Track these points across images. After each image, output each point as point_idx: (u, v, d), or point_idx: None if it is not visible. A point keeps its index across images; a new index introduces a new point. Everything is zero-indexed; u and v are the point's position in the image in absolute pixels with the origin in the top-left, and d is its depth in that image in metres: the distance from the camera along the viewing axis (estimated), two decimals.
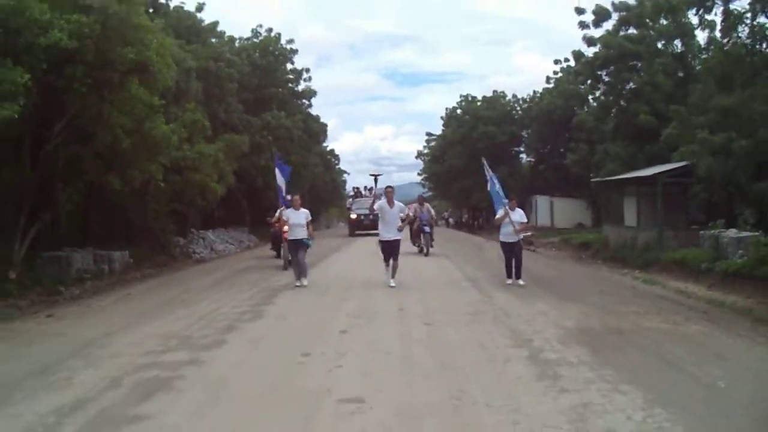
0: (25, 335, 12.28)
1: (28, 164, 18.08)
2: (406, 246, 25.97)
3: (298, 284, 18.09)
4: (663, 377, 8.41)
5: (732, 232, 20.29)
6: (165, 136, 21.44)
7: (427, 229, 28.65)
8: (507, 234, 18.81)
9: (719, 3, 18.75)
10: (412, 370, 8.83)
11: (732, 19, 18.36)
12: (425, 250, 28.36)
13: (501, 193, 19.54)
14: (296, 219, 18.61)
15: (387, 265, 18.60)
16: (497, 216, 19.50)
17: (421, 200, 30.94)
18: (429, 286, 18.10)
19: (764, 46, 18.06)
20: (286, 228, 21.10)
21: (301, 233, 18.53)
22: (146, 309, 15.02)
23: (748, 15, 18.41)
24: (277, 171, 23.77)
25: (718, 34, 20.53)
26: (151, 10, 23.96)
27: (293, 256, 18.83)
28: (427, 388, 7.95)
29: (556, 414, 6.87)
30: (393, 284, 17.87)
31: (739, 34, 18.46)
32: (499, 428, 6.55)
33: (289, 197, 21.63)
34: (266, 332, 11.94)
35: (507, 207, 18.88)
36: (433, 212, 31.32)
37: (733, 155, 19.73)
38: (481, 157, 21.87)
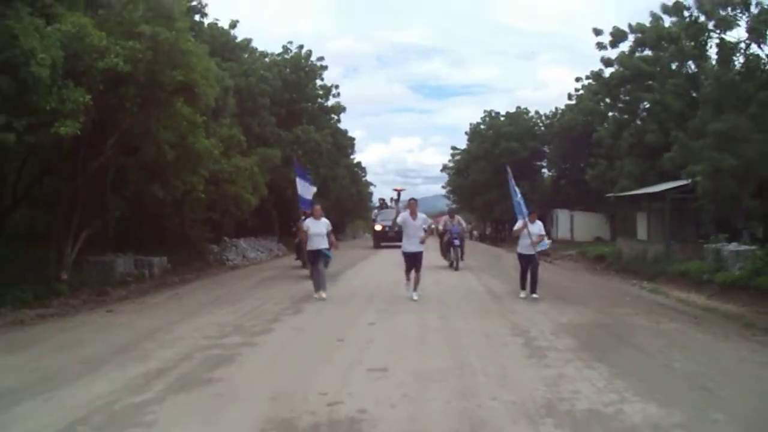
0: (94, 325, 14.29)
1: (80, 175, 19.70)
2: (435, 259, 27.77)
3: (316, 296, 17.85)
4: (630, 359, 10.37)
5: (732, 246, 21.70)
6: (206, 150, 23.19)
7: (456, 242, 28.13)
8: (525, 246, 18.65)
9: (715, 36, 20.59)
10: (426, 349, 11.07)
11: (726, 50, 20.21)
12: (455, 264, 27.76)
13: (522, 204, 19.21)
14: (316, 229, 18.31)
15: (408, 279, 18.37)
16: (516, 227, 19.39)
17: (451, 213, 30.84)
18: (445, 291, 20.03)
19: (758, 74, 19.81)
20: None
21: (322, 243, 18.27)
22: (196, 306, 17.04)
23: (743, 45, 20.27)
24: (297, 179, 22.49)
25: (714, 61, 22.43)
26: (193, 34, 25.04)
27: (313, 266, 18.64)
28: (438, 362, 10.00)
29: (536, 380, 8.86)
30: (415, 297, 17.61)
31: (734, 63, 20.32)
32: (489, 388, 8.47)
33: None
34: (306, 323, 14.12)
35: (527, 219, 18.66)
36: (464, 224, 30.86)
37: (731, 175, 21.14)
38: (505, 169, 21.83)
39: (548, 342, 11.78)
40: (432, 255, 26.84)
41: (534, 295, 18.12)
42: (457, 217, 30.02)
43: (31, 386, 8.78)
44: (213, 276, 26.75)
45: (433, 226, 27.13)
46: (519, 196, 19.43)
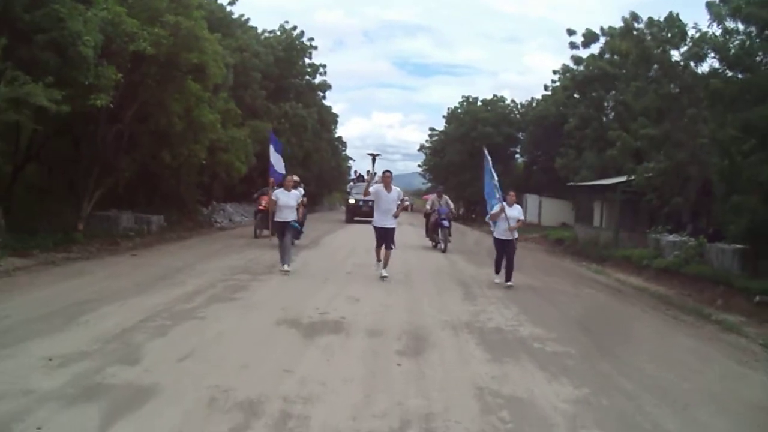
0: (127, 264, 18.26)
1: (100, 140, 22.92)
2: (419, 240, 29.80)
3: (281, 270, 17.32)
4: (538, 306, 14.50)
5: (671, 237, 24.74)
6: (210, 122, 26.49)
7: (446, 223, 27.15)
8: (501, 231, 18.03)
9: (658, 53, 24.39)
10: (390, 293, 15.01)
11: (666, 67, 24.03)
12: (443, 246, 26.76)
13: (498, 187, 18.83)
14: (286, 200, 17.87)
15: (378, 256, 18.03)
16: (493, 211, 18.44)
17: (439, 192, 29.27)
18: (407, 250, 23.34)
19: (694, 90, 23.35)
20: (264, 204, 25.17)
21: (290, 216, 17.86)
22: (205, 253, 21.21)
23: (681, 63, 23.99)
24: (271, 147, 23.76)
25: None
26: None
27: (279, 239, 18.08)
28: (397, 299, 14.05)
29: (465, 312, 13.07)
30: (385, 274, 17.40)
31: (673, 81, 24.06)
32: (430, 313, 12.75)
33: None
34: (298, 269, 18.09)
35: (504, 203, 17.95)
36: (452, 205, 29.41)
37: (663, 173, 24.94)
38: (482, 151, 20.53)
39: (482, 293, 16.03)
40: (413, 234, 31.05)
41: (508, 283, 17.50)
42: (445, 197, 28.86)
43: (104, 298, 12.49)
44: (206, 234, 30.22)
45: (428, 207, 29.47)
46: (496, 179, 19.03)
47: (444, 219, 27.19)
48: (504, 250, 17.95)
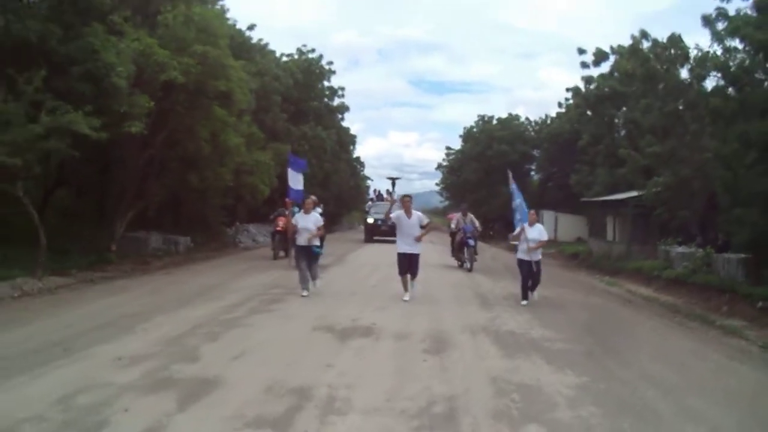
0: (163, 281, 19.72)
1: (132, 165, 24.16)
2: (440, 257, 30.05)
3: (304, 294, 16.90)
4: (548, 312, 15.76)
5: (680, 248, 25.59)
6: (235, 146, 27.62)
7: (471, 242, 26.66)
8: (523, 252, 17.66)
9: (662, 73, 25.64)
10: (414, 304, 16.28)
11: (670, 87, 25.27)
12: (468, 266, 26.34)
13: (523, 207, 18.51)
14: (304, 223, 17.29)
15: (404, 281, 17.33)
16: (514, 233, 18.57)
17: (464, 210, 28.47)
18: (427, 269, 23.37)
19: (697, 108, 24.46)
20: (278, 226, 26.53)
21: (312, 240, 17.27)
22: (234, 272, 22.38)
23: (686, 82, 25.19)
24: (289, 170, 23.90)
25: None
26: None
27: (297, 263, 17.53)
28: (420, 309, 15.38)
29: (481, 318, 14.51)
30: (406, 298, 16.90)
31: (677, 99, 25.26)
32: (451, 319, 14.09)
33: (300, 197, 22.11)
34: (327, 285, 19.10)
35: (524, 224, 17.68)
36: (477, 223, 28.22)
37: (669, 188, 26.12)
38: (507, 172, 20.43)
39: (498, 303, 17.36)
40: (434, 252, 31.27)
41: (524, 302, 17.30)
42: (471, 215, 28.09)
43: (152, 311, 13.91)
44: (232, 254, 31.40)
45: (452, 225, 28.86)
46: (520, 200, 18.66)
47: (469, 238, 26.73)
48: (529, 271, 17.49)
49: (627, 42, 30.96)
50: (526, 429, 7.34)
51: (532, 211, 18.42)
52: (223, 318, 13.40)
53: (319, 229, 17.44)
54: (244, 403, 7.78)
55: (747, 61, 20.83)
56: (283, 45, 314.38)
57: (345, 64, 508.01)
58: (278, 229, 27.97)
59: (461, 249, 27.45)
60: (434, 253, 32.26)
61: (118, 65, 19.19)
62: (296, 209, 23.99)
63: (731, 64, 21.46)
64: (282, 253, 27.76)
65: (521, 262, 17.65)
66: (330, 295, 17.33)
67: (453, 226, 28.85)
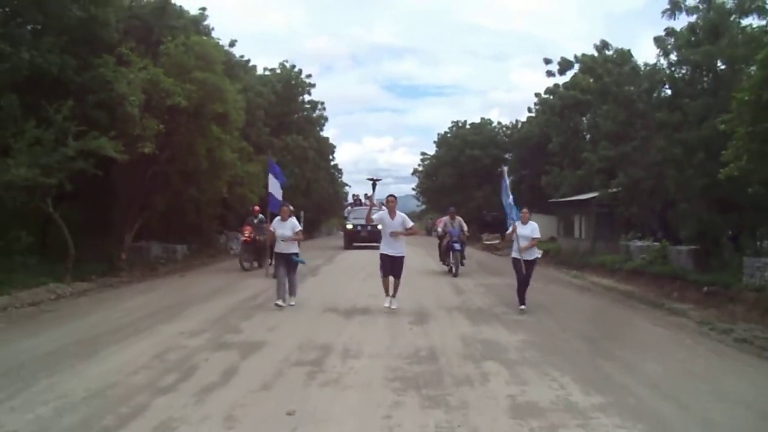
0: (181, 283, 23.11)
1: (139, 180, 26.69)
2: (432, 264, 30.72)
3: (279, 303, 16.65)
4: (512, 296, 18.01)
5: (638, 242, 28.41)
6: (230, 161, 30.32)
7: (457, 246, 26.43)
8: (517, 250, 17.36)
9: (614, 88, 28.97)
10: (399, 291, 18.29)
11: (621, 99, 28.59)
12: (455, 270, 26.11)
13: (513, 207, 18.13)
14: (282, 230, 17.39)
15: (387, 290, 17.09)
16: (507, 232, 18.22)
17: (452, 214, 28.21)
18: (409, 265, 25.48)
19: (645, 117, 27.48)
20: (246, 236, 27.27)
21: (289, 247, 17.37)
22: (241, 275, 25.46)
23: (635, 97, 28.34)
24: (270, 176, 23.69)
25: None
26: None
27: (276, 271, 17.64)
28: (406, 293, 18.18)
29: (455, 299, 18.14)
30: (394, 306, 16.65)
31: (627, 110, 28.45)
32: (430, 302, 17.68)
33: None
34: (324, 280, 23.19)
35: (516, 222, 17.46)
36: (465, 227, 27.99)
37: (624, 189, 29.36)
38: (500, 171, 20.67)
39: (469, 290, 20.86)
40: (424, 258, 33.37)
41: (521, 306, 16.88)
42: (458, 219, 27.94)
43: (185, 303, 17.35)
44: (227, 260, 34.03)
45: (439, 229, 29.31)
46: (510, 198, 18.28)
47: (455, 242, 26.56)
48: (522, 271, 17.10)
49: (603, 42, 33.67)
50: (485, 363, 10.74)
51: (525, 210, 18.04)
52: (249, 305, 17.08)
53: (296, 233, 17.52)
54: (286, 354, 11.23)
55: (687, 75, 24.31)
56: (252, 51, 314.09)
57: (318, 70, 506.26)
58: (244, 239, 28.19)
59: (448, 253, 27.32)
60: (415, 256, 32.60)
61: (130, 95, 21.91)
62: (263, 217, 27.04)
63: (676, 77, 24.90)
64: (255, 264, 28.13)
65: (515, 262, 17.36)
66: (328, 288, 20.76)
67: (440, 230, 29.21)
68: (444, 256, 28.21)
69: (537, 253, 17.87)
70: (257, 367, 10.40)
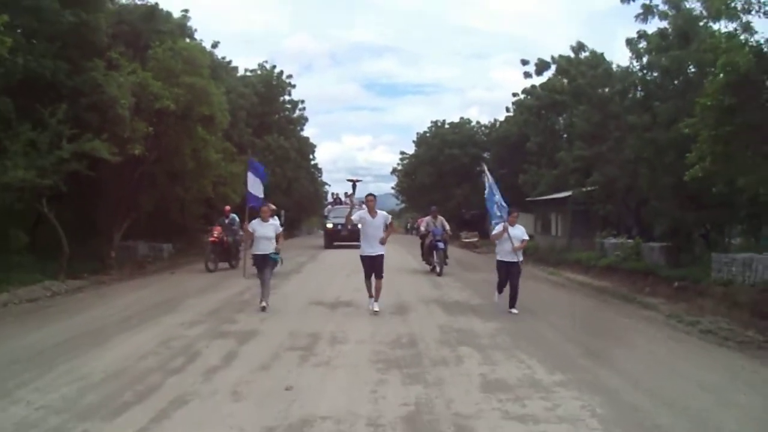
0: (172, 280, 24.16)
1: (127, 181, 27.28)
2: (415, 262, 30.76)
3: (264, 305, 16.55)
4: (487, 291, 19.42)
5: (613, 239, 29.28)
6: (215, 161, 31.28)
7: (441, 245, 26.57)
8: (505, 252, 17.13)
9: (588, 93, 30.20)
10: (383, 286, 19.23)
11: (595, 101, 29.81)
12: (438, 270, 26.19)
13: (502, 203, 17.99)
14: (263, 231, 17.07)
15: (370, 291, 16.92)
16: (494, 231, 17.57)
17: (434, 213, 28.17)
18: (391, 262, 26.08)
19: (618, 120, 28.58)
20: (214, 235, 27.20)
21: (269, 247, 17.03)
22: (227, 274, 26.12)
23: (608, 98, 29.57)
24: (249, 174, 23.59)
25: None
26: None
27: (259, 273, 17.13)
28: (388, 290, 18.31)
29: (433, 293, 19.43)
30: (377, 308, 16.40)
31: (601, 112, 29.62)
32: (409, 295, 18.94)
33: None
34: (308, 277, 24.13)
35: (506, 222, 17.14)
36: (447, 226, 27.91)
37: (601, 187, 30.55)
38: (481, 165, 21.28)
39: (447, 285, 22.18)
40: (404, 256, 34.42)
41: (513, 310, 16.68)
42: (441, 218, 27.96)
43: (181, 297, 18.53)
44: None
45: (422, 228, 29.31)
46: (498, 196, 18.09)
47: (439, 241, 26.65)
48: (508, 274, 17.07)
49: (579, 44, 35.36)
50: (460, 348, 12.03)
51: (515, 213, 17.97)
52: (239, 299, 18.26)
53: (278, 236, 17.32)
54: (280, 341, 12.53)
55: (659, 79, 25.55)
56: (235, 52, 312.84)
57: (298, 69, 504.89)
58: (212, 239, 27.80)
59: (431, 252, 27.40)
60: (395, 255, 33.08)
61: (121, 98, 22.79)
62: (235, 218, 28.06)
63: (648, 79, 26.21)
64: (225, 264, 28.12)
65: (501, 264, 17.29)
66: (314, 282, 21.72)
67: (423, 228, 29.09)
68: (427, 255, 28.13)
69: (521, 255, 17.50)
70: (254, 352, 11.67)
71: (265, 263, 16.87)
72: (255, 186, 23.20)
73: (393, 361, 10.99)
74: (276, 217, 19.01)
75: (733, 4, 16.58)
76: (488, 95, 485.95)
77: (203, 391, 9.15)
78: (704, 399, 9.34)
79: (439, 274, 25.72)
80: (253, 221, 17.63)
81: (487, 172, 19.63)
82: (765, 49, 16.32)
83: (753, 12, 16.36)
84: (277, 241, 17.22)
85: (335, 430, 7.76)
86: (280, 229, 17.58)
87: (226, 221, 28.34)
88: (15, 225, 23.54)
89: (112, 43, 25.65)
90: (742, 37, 16.43)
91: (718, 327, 15.24)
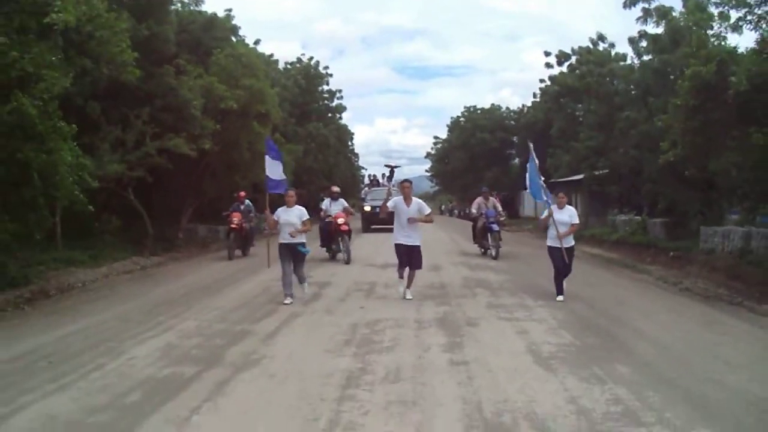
0: (242, 262, 27.88)
1: (194, 170, 31.09)
2: (464, 245, 32.10)
3: (286, 302, 15.64)
4: (507, 256, 25.21)
5: (623, 216, 33.68)
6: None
7: (495, 227, 25.86)
8: (553, 238, 16.50)
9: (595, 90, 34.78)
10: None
11: (604, 94, 34.43)
12: (494, 253, 25.59)
13: (541, 183, 17.42)
14: (288, 218, 16.15)
15: (401, 276, 16.57)
16: (542, 217, 17.34)
17: (486, 194, 27.47)
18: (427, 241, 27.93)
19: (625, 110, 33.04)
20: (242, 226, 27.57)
21: (295, 236, 16.03)
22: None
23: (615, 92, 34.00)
24: (267, 157, 20.34)
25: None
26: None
27: (282, 264, 16.18)
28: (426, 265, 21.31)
29: (470, 274, 22.17)
30: (409, 296, 16.14)
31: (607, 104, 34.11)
32: (450, 278, 20.55)
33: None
34: (358, 246, 26.97)
35: (552, 206, 16.58)
36: (500, 207, 27.62)
37: (608, 172, 35.00)
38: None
39: (486, 266, 24.20)
40: (455, 240, 36.68)
41: (559, 297, 16.13)
42: (493, 199, 27.55)
43: (251, 268, 23.24)
44: (265, 238, 36.86)
45: (474, 210, 27.87)
46: (541, 180, 17.55)
47: (492, 223, 25.93)
48: (561, 259, 16.30)
49: (599, 35, 40.26)
50: (476, 289, 17.39)
51: (562, 194, 17.39)
52: (307, 264, 21.17)
53: (304, 223, 16.23)
54: (347, 286, 18.19)
55: (652, 78, 29.83)
56: (265, 35, 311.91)
57: (330, 53, 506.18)
58: (233, 226, 27.56)
59: (484, 235, 26.64)
60: (441, 240, 36.80)
61: (193, 99, 26.57)
62: (250, 204, 29.12)
63: (645, 77, 30.53)
64: (239, 252, 27.87)
65: (552, 250, 16.57)
66: (355, 268, 23.59)
67: (474, 210, 27.66)
68: (480, 238, 27.29)
69: (573, 240, 16.93)
70: (332, 292, 17.10)
71: (289, 254, 16.11)
72: (273, 169, 20.16)
73: (429, 296, 16.41)
74: (342, 201, 23.36)
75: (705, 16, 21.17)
76: (521, 77, 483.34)
77: (305, 311, 14.50)
78: (652, 325, 13.18)
79: (495, 257, 25.26)
80: (279, 209, 16.53)
81: (533, 153, 18.32)
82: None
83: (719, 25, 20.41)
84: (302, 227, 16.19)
85: (395, 324, 12.91)
86: (306, 215, 16.44)
87: (242, 207, 28.45)
88: (105, 211, 26.83)
89: (178, 50, 29.54)
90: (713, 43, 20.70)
91: (696, 286, 18.57)
